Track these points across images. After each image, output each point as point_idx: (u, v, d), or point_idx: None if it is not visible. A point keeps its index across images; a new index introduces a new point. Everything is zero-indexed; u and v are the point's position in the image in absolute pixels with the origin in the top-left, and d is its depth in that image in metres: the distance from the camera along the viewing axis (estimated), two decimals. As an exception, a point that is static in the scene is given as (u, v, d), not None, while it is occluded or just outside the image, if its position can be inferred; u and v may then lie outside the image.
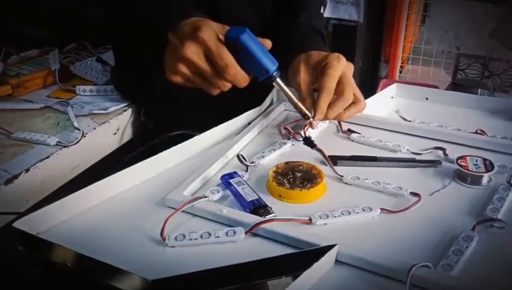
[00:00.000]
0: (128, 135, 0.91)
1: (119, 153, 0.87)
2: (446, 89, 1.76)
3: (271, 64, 0.61)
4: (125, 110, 0.90)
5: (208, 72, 0.59)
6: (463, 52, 2.10)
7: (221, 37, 0.59)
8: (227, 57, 0.58)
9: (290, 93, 0.65)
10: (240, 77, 0.60)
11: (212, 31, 0.58)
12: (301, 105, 0.67)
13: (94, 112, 0.87)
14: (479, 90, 1.74)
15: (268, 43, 0.62)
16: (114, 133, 0.88)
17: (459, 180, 0.62)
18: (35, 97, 0.94)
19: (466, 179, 0.62)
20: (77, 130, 0.80)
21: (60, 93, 0.95)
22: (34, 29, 1.22)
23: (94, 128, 0.83)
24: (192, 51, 0.58)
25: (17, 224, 0.49)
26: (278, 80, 0.63)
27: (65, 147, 0.76)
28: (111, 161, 0.85)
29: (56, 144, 0.76)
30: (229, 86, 0.61)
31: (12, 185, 0.67)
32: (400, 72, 2.23)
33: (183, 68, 0.60)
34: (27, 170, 0.70)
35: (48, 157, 0.73)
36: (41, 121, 0.85)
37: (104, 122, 0.85)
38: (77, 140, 0.78)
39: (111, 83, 0.98)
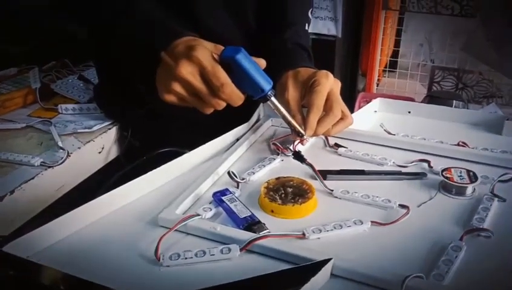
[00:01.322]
0: (113, 154, 0.90)
1: (105, 171, 0.86)
2: (422, 101, 1.80)
3: (266, 84, 0.61)
4: (110, 129, 0.89)
5: (203, 92, 0.59)
6: (437, 65, 2.16)
7: (216, 56, 0.59)
8: (223, 77, 0.58)
9: (284, 111, 0.66)
10: (235, 96, 0.60)
11: (206, 51, 0.58)
12: (294, 123, 0.67)
13: (78, 130, 0.86)
14: (454, 101, 1.79)
15: (262, 63, 0.62)
16: (99, 152, 0.86)
17: (444, 191, 0.64)
18: (15, 117, 0.92)
19: (451, 190, 0.63)
20: (61, 150, 0.79)
21: (41, 112, 0.94)
22: (12, 46, 1.20)
23: (79, 148, 0.82)
24: (188, 71, 0.58)
25: (7, 248, 0.48)
26: (273, 98, 0.63)
27: (49, 167, 0.75)
28: (97, 179, 0.83)
29: (41, 165, 0.75)
30: (223, 104, 0.61)
31: (-4, 207, 0.66)
32: (378, 85, 2.27)
33: (178, 88, 0.59)
34: (12, 192, 0.68)
35: (32, 178, 0.72)
36: (23, 141, 0.83)
37: (89, 141, 0.84)
38: (62, 160, 0.76)
39: (93, 101, 0.97)
